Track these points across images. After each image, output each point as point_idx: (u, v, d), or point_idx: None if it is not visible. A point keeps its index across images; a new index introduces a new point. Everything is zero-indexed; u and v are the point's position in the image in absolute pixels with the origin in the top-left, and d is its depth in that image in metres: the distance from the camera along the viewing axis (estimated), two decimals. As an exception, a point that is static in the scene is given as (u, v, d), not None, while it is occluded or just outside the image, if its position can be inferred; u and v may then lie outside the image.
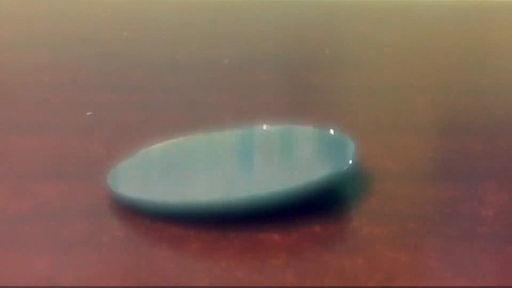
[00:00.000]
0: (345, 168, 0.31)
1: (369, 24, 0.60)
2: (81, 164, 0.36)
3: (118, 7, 0.65)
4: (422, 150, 0.37)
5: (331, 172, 0.30)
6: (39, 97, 0.44)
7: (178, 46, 0.54)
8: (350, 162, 0.32)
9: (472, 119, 0.41)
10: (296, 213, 0.31)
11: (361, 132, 0.39)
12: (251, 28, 0.59)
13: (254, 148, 0.35)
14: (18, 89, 0.46)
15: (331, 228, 0.30)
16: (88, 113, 0.42)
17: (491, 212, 0.32)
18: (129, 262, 0.28)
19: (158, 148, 0.36)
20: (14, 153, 0.37)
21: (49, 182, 0.34)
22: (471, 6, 0.66)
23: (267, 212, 0.31)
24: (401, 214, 0.31)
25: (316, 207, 0.32)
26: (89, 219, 0.31)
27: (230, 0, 0.68)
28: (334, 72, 0.49)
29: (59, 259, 0.28)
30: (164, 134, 0.39)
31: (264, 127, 0.36)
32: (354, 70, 0.49)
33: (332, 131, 0.35)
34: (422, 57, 0.52)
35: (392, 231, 0.30)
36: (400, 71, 0.49)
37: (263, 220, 0.31)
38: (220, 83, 0.47)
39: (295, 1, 0.68)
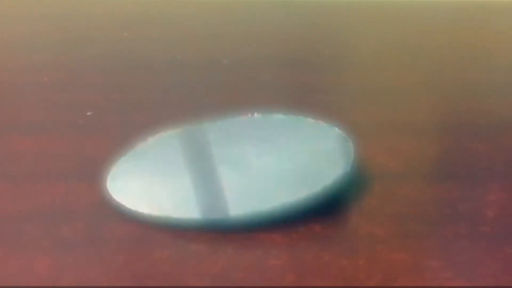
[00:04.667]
0: (345, 174, 0.31)
1: (369, 24, 0.60)
2: (81, 164, 0.36)
3: (118, 7, 0.65)
4: (422, 150, 0.37)
5: (331, 182, 0.31)
6: (39, 97, 0.44)
7: (178, 46, 0.54)
8: (350, 167, 0.32)
9: (472, 119, 0.41)
10: (296, 213, 0.31)
11: (361, 132, 0.39)
12: (251, 28, 0.59)
13: (249, 140, 0.34)
14: (18, 89, 0.46)
15: (331, 228, 0.30)
16: (88, 113, 0.42)
17: (491, 212, 0.31)
18: (129, 262, 0.28)
19: (155, 141, 0.35)
20: (14, 153, 0.37)
21: (49, 182, 0.34)
22: (471, 6, 0.66)
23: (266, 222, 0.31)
24: (401, 214, 0.31)
25: (316, 207, 0.32)
26: (88, 219, 0.31)
27: (230, 0, 0.68)
28: (334, 72, 0.49)
29: (59, 259, 0.28)
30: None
31: (258, 116, 0.36)
32: (354, 70, 0.49)
33: (331, 127, 0.35)
34: (422, 57, 0.52)
35: (392, 231, 0.30)
36: (400, 71, 0.49)
37: (263, 220, 0.31)
38: (220, 83, 0.47)
39: (295, 1, 0.68)
